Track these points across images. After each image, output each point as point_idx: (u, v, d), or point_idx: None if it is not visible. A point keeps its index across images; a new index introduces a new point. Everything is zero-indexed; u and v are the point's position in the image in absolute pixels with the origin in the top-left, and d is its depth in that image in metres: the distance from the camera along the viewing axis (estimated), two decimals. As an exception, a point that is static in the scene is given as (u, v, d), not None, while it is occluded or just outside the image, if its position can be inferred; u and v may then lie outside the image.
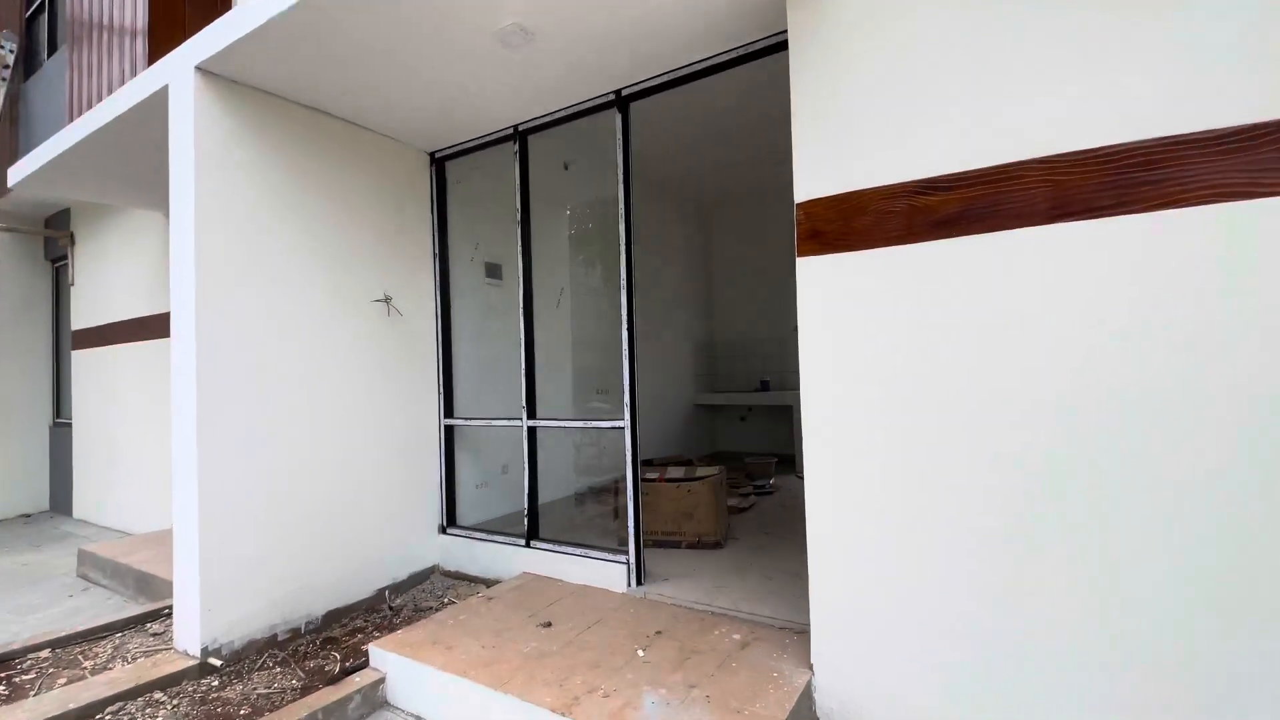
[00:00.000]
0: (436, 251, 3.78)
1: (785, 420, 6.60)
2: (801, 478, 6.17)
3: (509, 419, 3.43)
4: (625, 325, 2.99)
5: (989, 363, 1.93)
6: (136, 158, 3.65)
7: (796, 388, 6.55)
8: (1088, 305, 1.80)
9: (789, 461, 6.25)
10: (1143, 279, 1.73)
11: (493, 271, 4.16)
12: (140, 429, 5.17)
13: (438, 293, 3.77)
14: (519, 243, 3.40)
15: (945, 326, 1.99)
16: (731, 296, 7.06)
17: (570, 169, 4.93)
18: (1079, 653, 1.79)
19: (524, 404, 3.33)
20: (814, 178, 2.21)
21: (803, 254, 2.22)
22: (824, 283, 2.18)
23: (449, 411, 3.73)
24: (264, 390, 2.90)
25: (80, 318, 5.83)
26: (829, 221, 2.18)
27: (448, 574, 3.62)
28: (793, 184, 2.25)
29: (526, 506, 3.34)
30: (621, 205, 3.02)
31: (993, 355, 1.92)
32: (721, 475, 3.83)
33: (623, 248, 3.02)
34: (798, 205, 2.24)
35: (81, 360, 5.79)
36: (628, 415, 2.96)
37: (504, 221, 3.69)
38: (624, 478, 3.05)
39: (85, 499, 5.84)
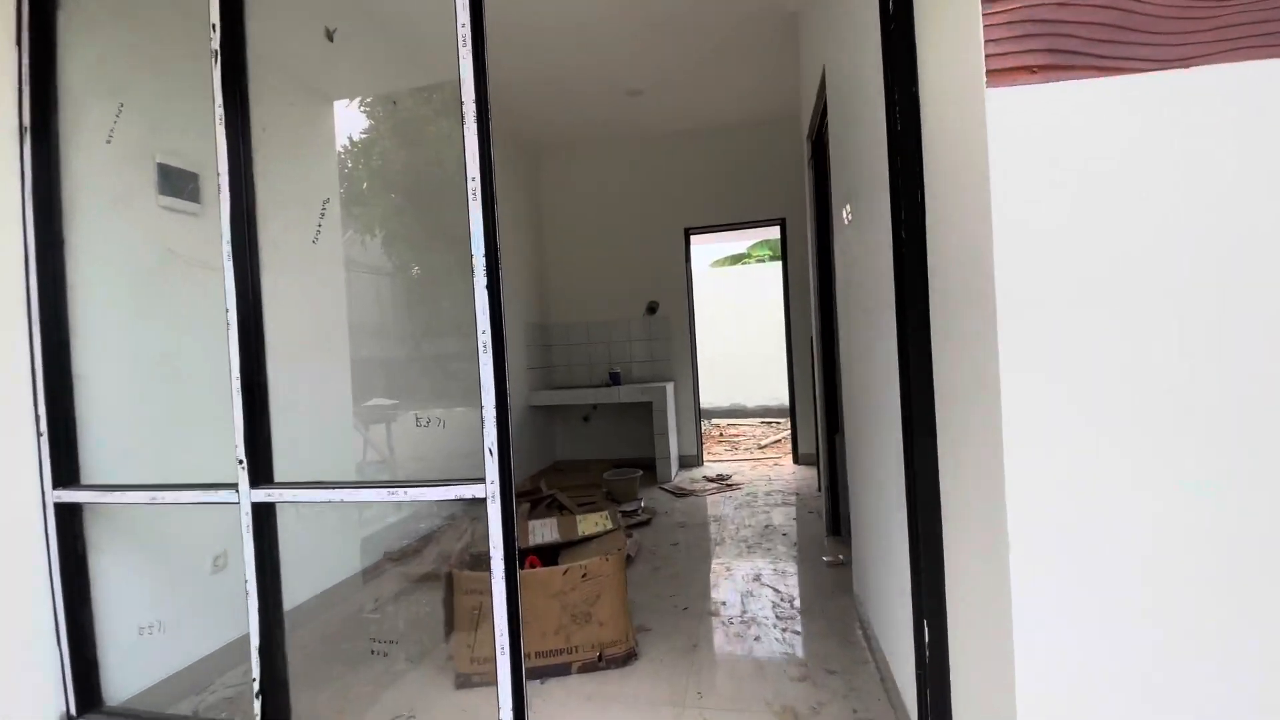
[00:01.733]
0: (28, 123, 1.74)
1: (638, 418, 5.37)
2: (668, 489, 4.95)
3: (210, 489, 1.59)
4: (483, 286, 1.38)
5: None
6: None
7: (652, 380, 5.35)
8: None
9: (649, 468, 5.03)
10: None
11: (178, 183, 2.18)
12: None
13: (28, 214, 1.74)
14: (220, 119, 1.55)
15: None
16: (569, 269, 5.58)
17: (337, 41, 3.05)
18: None
19: (241, 455, 1.52)
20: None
21: (999, 79, 0.88)
22: (1057, 151, 0.86)
23: (66, 475, 1.73)
24: None
25: None
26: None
27: (72, 826, 1.67)
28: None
29: (257, 671, 1.55)
30: (467, 50, 1.40)
31: None
32: (622, 533, 2.41)
33: (470, 134, 1.40)
34: (977, -43, 0.89)
35: None
36: (494, 472, 1.37)
37: (190, 83, 1.80)
38: (487, 572, 1.49)
39: None
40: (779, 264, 5.72)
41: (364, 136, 3.49)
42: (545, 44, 3.66)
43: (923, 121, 1.17)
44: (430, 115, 3.69)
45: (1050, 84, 0.84)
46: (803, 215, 4.87)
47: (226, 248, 1.52)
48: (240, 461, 1.51)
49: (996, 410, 0.88)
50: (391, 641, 2.04)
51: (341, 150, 3.45)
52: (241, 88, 1.56)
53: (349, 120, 3.00)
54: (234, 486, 1.52)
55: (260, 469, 1.53)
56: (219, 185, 1.52)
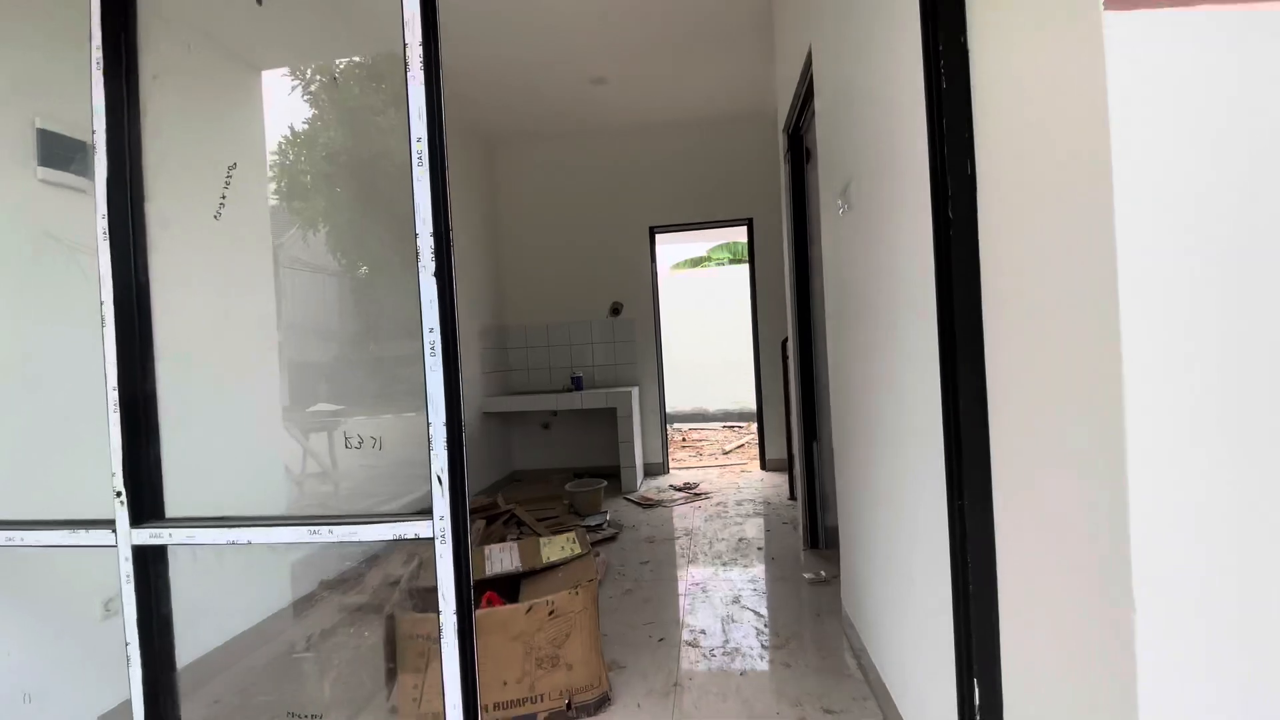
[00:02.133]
0: None
1: (601, 425, 5.11)
2: (634, 500, 4.70)
3: (79, 528, 1.26)
4: (430, 274, 1.12)
5: None
6: None
7: (616, 384, 5.11)
8: None
9: (613, 477, 4.78)
10: None
11: (63, 153, 1.82)
12: None
13: None
14: (97, 62, 1.24)
15: None
16: (527, 267, 5.28)
17: (266, 3, 2.71)
18: None
19: (120, 485, 1.21)
20: None
21: (1119, 2, 0.68)
22: (1204, 93, 0.66)
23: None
24: None
25: None
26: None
27: None
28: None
29: (143, 757, 1.24)
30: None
31: None
32: (592, 559, 2.16)
33: (415, 85, 1.13)
34: None
35: None
36: (445, 506, 1.11)
37: (78, 34, 1.47)
38: (435, 613, 1.22)
39: None
40: (740, 266, 5.57)
41: (302, 118, 3.14)
42: (501, 24, 3.38)
43: (972, 77, 0.97)
44: (380, 105, 3.37)
45: (1194, 9, 0.65)
46: (770, 215, 4.71)
47: (102, 223, 1.20)
48: (119, 494, 1.19)
49: (1118, 430, 0.67)
50: (315, 716, 1.72)
51: (283, 140, 3.09)
52: (129, 20, 1.25)
53: (275, 86, 2.65)
54: (110, 525, 1.21)
55: (146, 502, 1.22)
56: (93, 144, 1.21)
